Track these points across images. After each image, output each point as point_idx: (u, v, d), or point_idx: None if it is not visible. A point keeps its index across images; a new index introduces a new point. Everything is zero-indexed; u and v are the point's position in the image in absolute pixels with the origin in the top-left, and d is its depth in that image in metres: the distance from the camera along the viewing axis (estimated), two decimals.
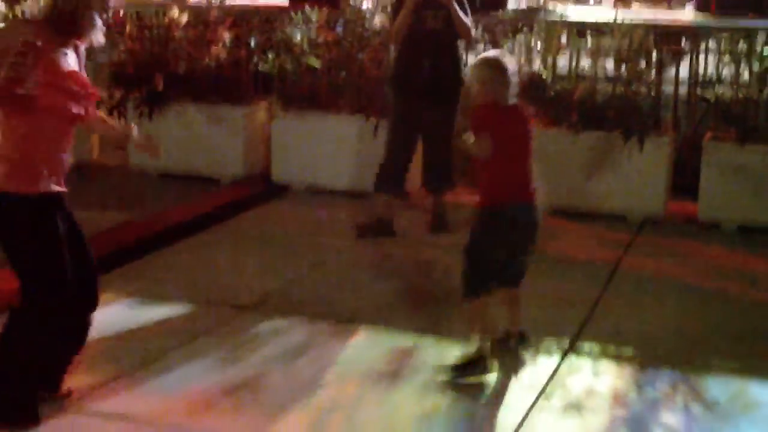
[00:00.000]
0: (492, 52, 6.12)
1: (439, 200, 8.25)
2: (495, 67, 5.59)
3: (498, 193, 5.54)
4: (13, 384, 4.75)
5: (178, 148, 9.37)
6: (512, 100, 5.61)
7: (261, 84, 9.87)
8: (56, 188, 4.69)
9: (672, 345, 6.12)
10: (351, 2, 9.71)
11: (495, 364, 5.58)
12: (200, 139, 9.57)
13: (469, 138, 5.56)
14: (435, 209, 8.27)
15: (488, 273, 5.58)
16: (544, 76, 9.07)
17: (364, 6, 9.76)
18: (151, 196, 9.10)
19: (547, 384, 5.50)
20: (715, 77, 9.22)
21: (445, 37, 7.85)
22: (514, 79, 5.60)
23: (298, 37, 9.44)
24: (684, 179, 8.81)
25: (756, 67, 8.65)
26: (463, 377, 5.52)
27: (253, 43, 9.87)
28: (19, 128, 4.60)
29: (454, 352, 5.74)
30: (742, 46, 8.78)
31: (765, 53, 8.62)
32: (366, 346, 6.01)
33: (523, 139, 5.62)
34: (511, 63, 5.69)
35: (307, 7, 9.53)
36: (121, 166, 9.81)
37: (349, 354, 5.90)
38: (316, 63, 9.40)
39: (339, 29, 9.52)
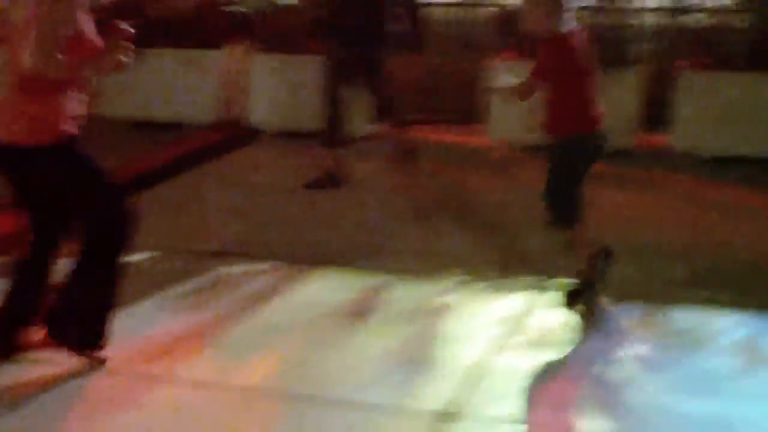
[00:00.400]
0: None
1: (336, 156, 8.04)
2: None
3: (573, 121, 5.53)
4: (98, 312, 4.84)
5: (152, 95, 9.33)
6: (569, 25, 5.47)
7: (237, 26, 9.78)
8: (73, 131, 4.71)
9: (643, 278, 6.13)
10: None
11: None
12: (175, 84, 9.53)
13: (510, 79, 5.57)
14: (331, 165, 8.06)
15: (577, 199, 5.61)
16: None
17: None
18: (124, 144, 9.05)
19: (516, 318, 5.51)
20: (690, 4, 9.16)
21: None
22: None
23: None
24: (657, 110, 8.78)
25: None
26: (580, 302, 5.62)
27: None
28: (44, 89, 4.58)
29: (425, 289, 5.82)
30: None
31: None
32: (331, 288, 6.01)
33: (586, 66, 5.53)
34: None
35: None
36: (95, 116, 9.73)
37: (313, 296, 5.89)
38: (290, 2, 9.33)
39: None
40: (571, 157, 5.59)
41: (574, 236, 5.68)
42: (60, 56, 4.43)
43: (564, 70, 5.46)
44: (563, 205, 5.63)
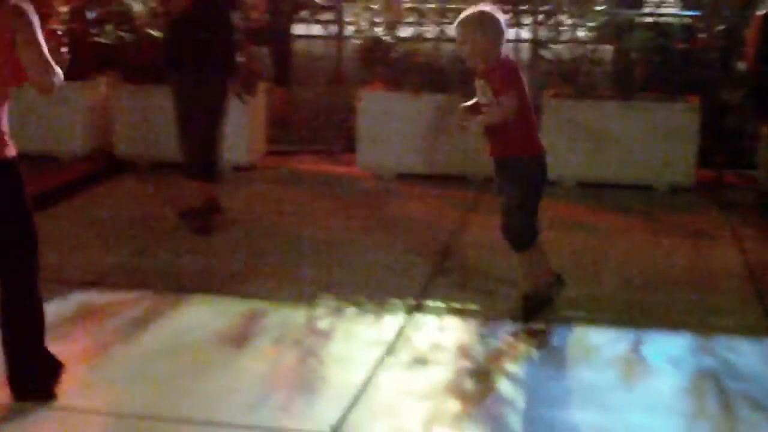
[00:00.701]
0: (484, 6, 5.68)
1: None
2: (498, 21, 5.57)
3: (534, 141, 5.70)
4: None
5: (17, 128, 9.09)
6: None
7: (101, 57, 9.64)
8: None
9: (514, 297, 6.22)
10: None
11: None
12: (40, 117, 9.32)
13: (490, 99, 5.51)
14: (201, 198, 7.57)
15: (536, 218, 5.74)
16: (387, 39, 9.10)
17: None
18: None
19: (393, 341, 5.54)
20: (554, 36, 9.38)
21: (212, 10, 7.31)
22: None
23: (137, 8, 9.27)
24: None
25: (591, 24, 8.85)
26: (534, 318, 5.77)
27: (90, 16, 9.63)
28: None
29: (298, 315, 5.85)
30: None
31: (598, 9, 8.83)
32: (207, 315, 5.95)
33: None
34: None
35: None
36: None
37: (190, 322, 5.82)
38: (156, 33, 9.25)
39: None
40: (537, 175, 5.73)
41: (530, 256, 5.80)
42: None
43: (523, 92, 5.61)
44: (529, 224, 5.75)
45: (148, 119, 9.18)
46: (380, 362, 5.25)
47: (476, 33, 5.53)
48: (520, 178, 5.70)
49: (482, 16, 5.57)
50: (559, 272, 5.98)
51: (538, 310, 5.83)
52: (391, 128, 8.95)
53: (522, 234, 5.76)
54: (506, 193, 5.73)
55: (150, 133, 9.18)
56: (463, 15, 5.63)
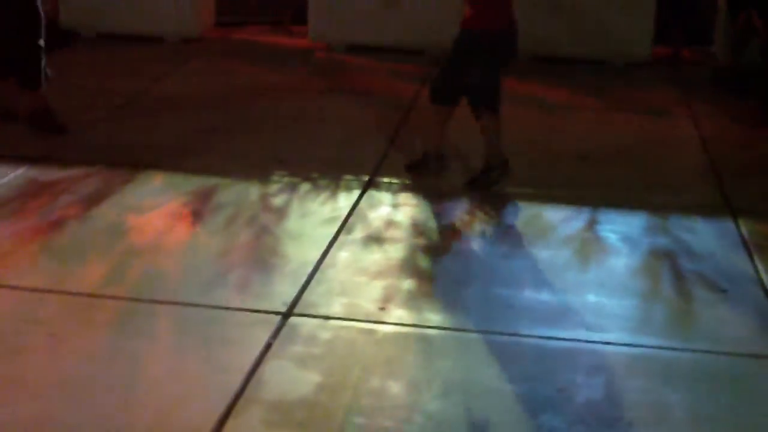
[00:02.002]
0: None
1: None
2: None
3: (486, 19, 5.74)
4: None
5: None
6: None
7: None
8: None
9: (469, 173, 6.18)
10: None
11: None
12: None
13: None
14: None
15: (460, 87, 5.85)
16: None
17: None
18: None
19: (347, 217, 5.50)
20: None
21: None
22: None
23: None
24: None
25: None
26: (417, 173, 6.06)
27: None
28: None
29: (252, 191, 5.80)
30: None
31: None
32: (160, 191, 5.86)
33: None
34: None
35: None
36: None
37: (142, 199, 5.73)
38: None
39: None
40: (499, 49, 5.83)
41: (493, 122, 5.92)
42: None
43: None
44: (493, 91, 5.87)
45: None
46: (335, 240, 5.21)
47: None
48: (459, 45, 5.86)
49: None
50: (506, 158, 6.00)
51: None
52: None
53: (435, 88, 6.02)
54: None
55: (96, 2, 8.93)
56: None
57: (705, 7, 9.03)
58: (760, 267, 5.04)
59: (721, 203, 5.88)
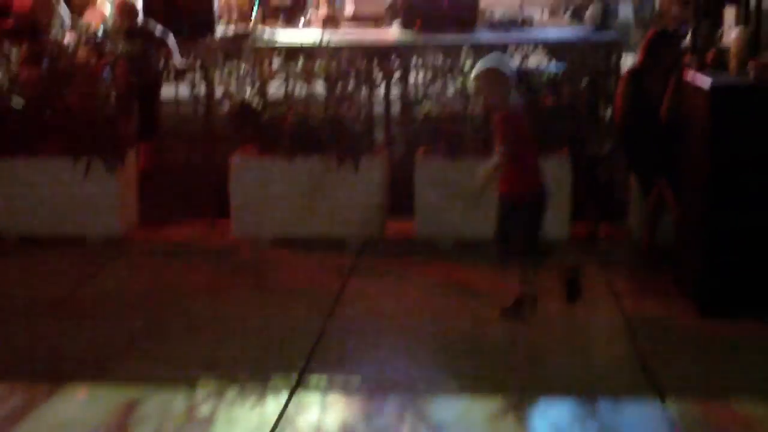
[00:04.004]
0: (493, 56, 7.00)
1: None
2: (503, 73, 6.67)
3: (538, 179, 6.81)
4: None
5: None
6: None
7: None
8: None
9: (402, 368, 6.19)
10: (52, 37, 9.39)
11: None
12: None
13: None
14: None
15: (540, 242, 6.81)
16: (255, 103, 9.00)
17: (66, 40, 9.46)
18: None
19: (276, 424, 5.44)
20: (423, 94, 9.37)
21: None
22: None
23: None
24: (402, 198, 8.91)
25: (459, 83, 8.88)
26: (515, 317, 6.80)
27: None
28: None
29: (178, 400, 5.71)
30: (445, 62, 9.00)
31: (467, 69, 8.85)
32: (87, 405, 5.76)
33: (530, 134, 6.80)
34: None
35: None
36: None
37: (69, 416, 5.62)
38: (18, 103, 9.03)
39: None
40: (541, 210, 6.81)
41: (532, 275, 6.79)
42: None
43: (527, 139, 6.74)
44: (536, 249, 6.80)
45: (14, 191, 8.95)
46: None
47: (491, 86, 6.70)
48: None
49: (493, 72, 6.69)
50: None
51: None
52: (265, 192, 8.85)
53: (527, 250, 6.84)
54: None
55: (19, 206, 8.94)
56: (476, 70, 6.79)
57: (618, 184, 9.27)
58: None
59: (646, 386, 5.91)
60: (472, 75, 6.92)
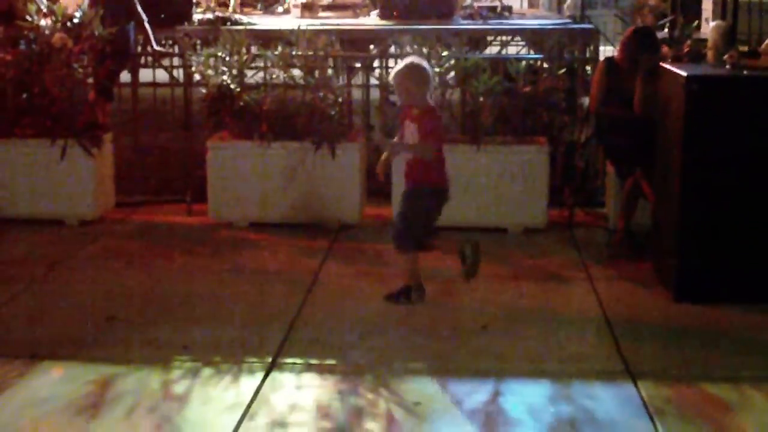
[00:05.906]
0: (415, 58, 7.08)
1: None
2: (427, 71, 6.79)
3: (437, 176, 6.89)
4: None
5: None
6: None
7: None
8: None
9: (372, 350, 6.20)
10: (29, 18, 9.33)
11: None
12: None
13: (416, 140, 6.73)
14: None
15: (421, 234, 6.92)
16: (232, 88, 8.98)
17: (43, 22, 9.41)
18: None
19: (250, 403, 5.44)
20: None
21: None
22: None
23: None
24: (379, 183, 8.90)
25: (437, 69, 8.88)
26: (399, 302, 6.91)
27: None
28: None
29: (153, 379, 5.72)
30: (423, 48, 9.00)
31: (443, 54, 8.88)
32: (59, 383, 5.75)
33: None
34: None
35: None
36: None
37: (41, 392, 5.61)
38: None
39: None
40: (432, 203, 6.92)
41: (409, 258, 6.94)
42: None
43: (441, 135, 6.95)
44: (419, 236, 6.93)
45: None
46: (238, 427, 5.15)
47: (409, 83, 6.71)
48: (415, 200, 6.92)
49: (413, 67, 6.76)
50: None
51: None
52: (242, 177, 8.84)
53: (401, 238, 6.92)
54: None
55: None
56: (396, 67, 6.86)
57: (595, 171, 9.31)
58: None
59: (620, 369, 5.94)
60: (392, 73, 6.92)
